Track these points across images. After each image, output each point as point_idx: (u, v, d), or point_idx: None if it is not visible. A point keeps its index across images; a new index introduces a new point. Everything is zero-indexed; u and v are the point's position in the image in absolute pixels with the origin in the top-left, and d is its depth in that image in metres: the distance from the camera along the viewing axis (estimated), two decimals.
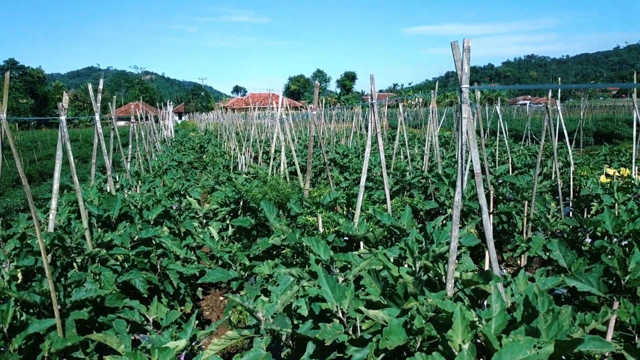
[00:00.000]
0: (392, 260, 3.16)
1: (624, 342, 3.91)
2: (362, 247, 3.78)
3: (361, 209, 4.68)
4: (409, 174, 7.64)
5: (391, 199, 7.93)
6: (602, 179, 7.76)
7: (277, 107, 7.94)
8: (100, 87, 5.73)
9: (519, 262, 6.11)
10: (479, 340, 1.99)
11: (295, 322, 2.95)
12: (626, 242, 4.37)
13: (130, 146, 13.67)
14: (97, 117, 5.63)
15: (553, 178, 8.62)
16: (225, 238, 6.75)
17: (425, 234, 3.88)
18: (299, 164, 9.38)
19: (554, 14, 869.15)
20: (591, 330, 2.70)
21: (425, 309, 2.08)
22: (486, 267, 2.99)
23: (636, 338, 3.72)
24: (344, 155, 11.34)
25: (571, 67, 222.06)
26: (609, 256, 4.15)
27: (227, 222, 7.13)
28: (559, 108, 8.75)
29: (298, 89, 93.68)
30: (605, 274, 4.12)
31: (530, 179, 8.37)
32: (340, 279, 2.87)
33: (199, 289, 5.97)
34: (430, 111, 8.45)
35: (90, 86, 5.87)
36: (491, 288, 2.56)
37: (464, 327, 1.80)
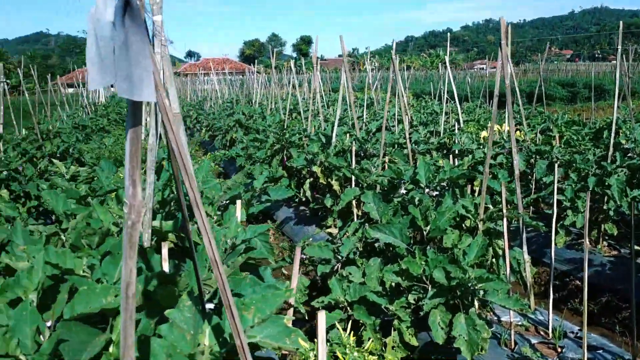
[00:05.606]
0: None
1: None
2: None
3: None
4: (288, 132, 7.44)
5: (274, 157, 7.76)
6: (484, 134, 7.75)
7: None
8: None
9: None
10: None
11: None
12: (437, 193, 4.28)
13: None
14: None
15: (442, 135, 8.57)
16: None
17: None
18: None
19: None
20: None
21: None
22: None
23: (429, 289, 3.62)
24: (249, 117, 11.03)
25: (527, 32, 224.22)
26: (418, 207, 4.06)
27: None
28: (448, 71, 8.67)
29: (253, 54, 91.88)
30: (411, 225, 4.02)
31: (419, 135, 8.31)
32: None
33: None
34: (343, 72, 7.94)
35: None
36: None
37: None
